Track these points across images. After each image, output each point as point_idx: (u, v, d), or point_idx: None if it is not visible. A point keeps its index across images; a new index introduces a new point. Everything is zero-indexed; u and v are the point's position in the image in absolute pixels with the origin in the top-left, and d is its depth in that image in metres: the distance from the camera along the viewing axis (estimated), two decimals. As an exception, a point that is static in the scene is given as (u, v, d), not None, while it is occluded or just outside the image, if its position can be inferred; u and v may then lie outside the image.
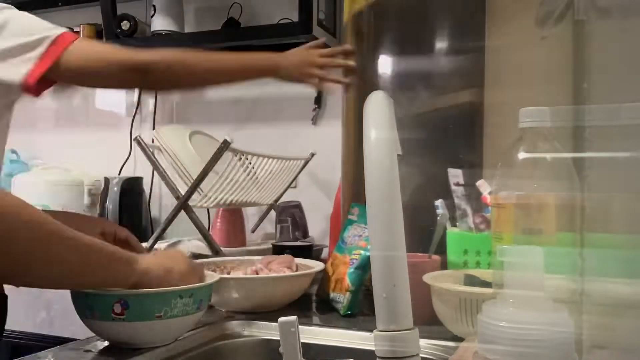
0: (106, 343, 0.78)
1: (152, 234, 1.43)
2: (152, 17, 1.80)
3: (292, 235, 1.55)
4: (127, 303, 0.71)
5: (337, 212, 1.38)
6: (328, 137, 1.73)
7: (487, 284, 0.75)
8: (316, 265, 1.04)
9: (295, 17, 1.62)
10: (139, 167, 2.04)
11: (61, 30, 0.90)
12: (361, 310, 0.96)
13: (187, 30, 1.88)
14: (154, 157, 1.41)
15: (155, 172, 1.47)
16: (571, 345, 0.48)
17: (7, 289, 0.85)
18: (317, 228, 1.72)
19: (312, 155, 1.62)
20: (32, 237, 0.58)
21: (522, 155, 0.66)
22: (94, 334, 0.78)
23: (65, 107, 2.23)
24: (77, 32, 1.98)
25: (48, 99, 2.26)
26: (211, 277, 0.86)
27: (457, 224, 0.94)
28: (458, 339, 0.78)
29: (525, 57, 0.98)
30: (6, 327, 0.87)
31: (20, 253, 0.58)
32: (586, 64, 0.72)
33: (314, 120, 1.82)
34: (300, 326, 0.60)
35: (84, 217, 1.05)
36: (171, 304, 0.73)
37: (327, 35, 1.68)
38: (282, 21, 1.76)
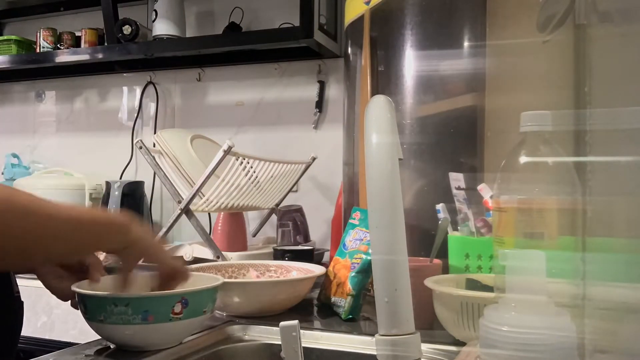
0: (107, 347, 0.78)
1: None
2: (153, 21, 1.81)
3: (293, 239, 1.55)
4: (85, 303, 0.73)
5: (339, 216, 1.38)
6: (329, 141, 1.73)
7: (488, 288, 0.74)
8: (317, 270, 1.04)
9: (296, 22, 1.63)
10: (141, 171, 2.05)
11: None
12: (362, 314, 0.96)
13: (188, 34, 1.89)
14: (156, 161, 1.41)
15: (156, 176, 1.47)
16: (573, 349, 0.48)
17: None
18: (319, 232, 1.72)
19: (314, 159, 1.63)
20: (25, 224, 0.58)
21: (523, 159, 0.66)
22: (94, 339, 0.78)
23: (67, 112, 2.23)
24: (80, 37, 1.98)
25: (49, 104, 2.26)
26: (215, 280, 0.85)
27: (459, 228, 0.94)
28: (460, 343, 0.78)
29: (527, 61, 0.98)
30: (7, 331, 0.86)
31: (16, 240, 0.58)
32: (587, 68, 0.72)
33: (316, 125, 1.82)
34: (301, 330, 0.60)
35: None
36: (107, 310, 0.73)
37: (328, 40, 1.68)
38: (283, 25, 1.77)
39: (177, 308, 0.76)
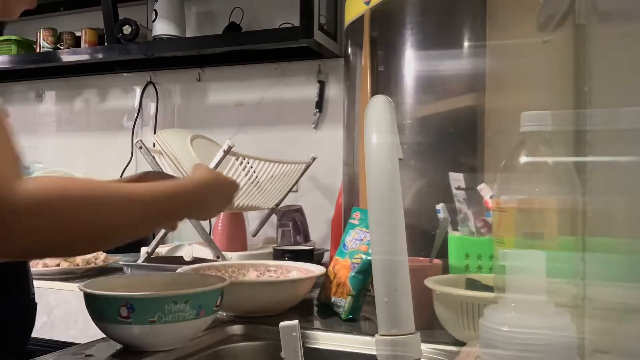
0: (107, 347, 0.78)
1: (154, 238, 1.43)
2: (153, 21, 1.81)
3: (293, 239, 1.55)
4: (132, 307, 0.71)
5: (339, 216, 1.38)
6: (329, 141, 1.73)
7: (488, 288, 0.74)
8: (317, 270, 1.04)
9: (296, 22, 1.63)
10: (141, 171, 2.04)
11: None
12: (362, 314, 0.96)
13: (188, 34, 1.89)
14: (156, 161, 1.41)
15: (156, 176, 1.47)
16: (573, 349, 0.48)
17: None
18: (319, 232, 1.72)
19: (314, 159, 1.63)
20: (113, 210, 0.57)
21: (523, 159, 0.66)
22: (95, 338, 0.78)
23: (67, 112, 2.23)
24: (80, 37, 1.98)
25: (49, 104, 2.26)
26: (220, 281, 0.85)
27: (459, 228, 0.94)
28: (460, 343, 0.78)
29: (527, 61, 0.98)
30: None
31: (107, 226, 0.57)
32: (587, 68, 0.72)
33: (316, 125, 1.83)
34: (301, 330, 0.60)
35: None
36: (165, 310, 0.72)
37: (328, 40, 1.68)
38: (284, 25, 1.77)
39: (218, 301, 0.78)
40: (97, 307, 0.74)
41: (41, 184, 0.50)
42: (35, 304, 0.83)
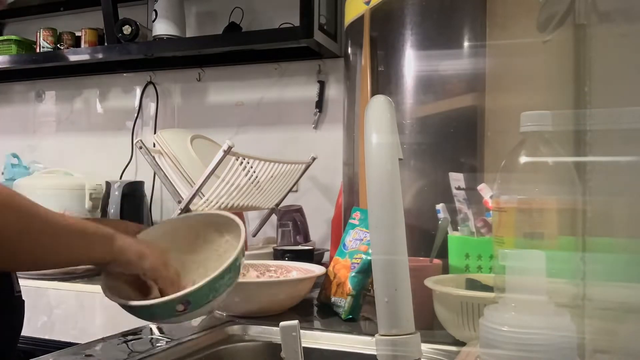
0: (107, 347, 0.78)
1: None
2: (153, 21, 1.81)
3: (293, 239, 1.55)
4: (189, 301, 0.70)
5: (339, 216, 1.38)
6: (329, 141, 1.73)
7: (488, 288, 0.74)
8: (317, 270, 1.04)
9: (296, 22, 1.63)
10: (141, 171, 2.05)
11: None
12: (362, 314, 0.96)
13: (188, 34, 1.89)
14: (156, 161, 1.41)
15: (156, 176, 1.47)
16: (573, 349, 0.48)
17: None
18: (319, 232, 1.72)
19: (314, 159, 1.62)
20: (22, 226, 0.60)
21: (523, 159, 0.66)
22: (95, 338, 0.78)
23: (67, 112, 2.23)
24: (80, 37, 1.98)
25: (49, 104, 2.26)
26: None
27: (459, 228, 0.94)
28: (460, 343, 0.78)
29: (527, 61, 0.98)
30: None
31: (10, 241, 0.59)
32: (587, 68, 0.72)
33: (316, 125, 1.83)
34: (301, 330, 0.60)
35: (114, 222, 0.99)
36: (217, 288, 0.72)
37: (328, 40, 1.68)
38: (283, 26, 1.77)
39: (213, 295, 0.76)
40: (149, 313, 0.71)
41: None
42: (23, 301, 0.83)
